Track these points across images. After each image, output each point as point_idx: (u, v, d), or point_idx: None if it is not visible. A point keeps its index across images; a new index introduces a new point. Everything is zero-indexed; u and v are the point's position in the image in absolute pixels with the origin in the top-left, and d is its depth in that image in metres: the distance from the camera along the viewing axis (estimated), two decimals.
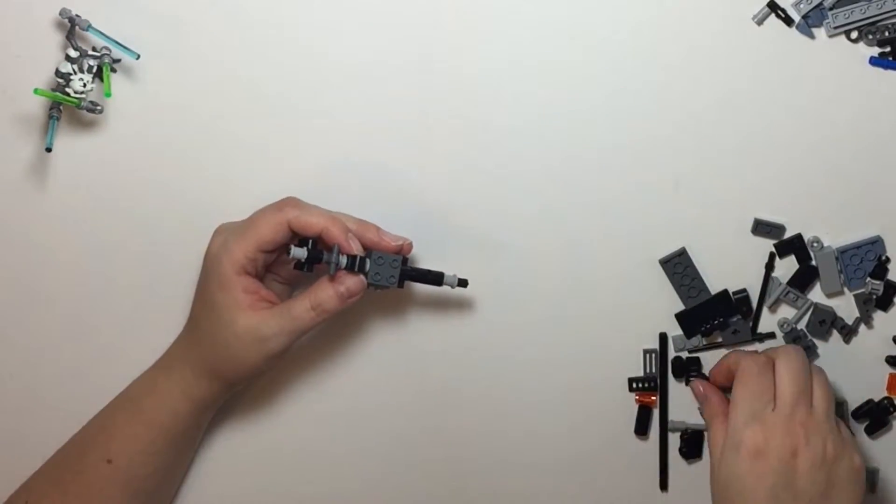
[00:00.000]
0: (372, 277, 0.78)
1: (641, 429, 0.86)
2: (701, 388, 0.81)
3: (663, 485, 0.87)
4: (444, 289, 0.83)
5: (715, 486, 0.77)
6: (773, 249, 0.83)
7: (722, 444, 0.76)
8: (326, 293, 0.78)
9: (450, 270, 0.82)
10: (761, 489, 0.74)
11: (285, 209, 0.78)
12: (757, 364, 0.77)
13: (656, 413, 0.86)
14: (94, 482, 0.80)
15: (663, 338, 0.85)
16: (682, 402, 0.86)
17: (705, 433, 0.80)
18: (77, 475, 0.80)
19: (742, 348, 0.84)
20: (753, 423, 0.75)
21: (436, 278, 0.80)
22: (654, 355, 0.85)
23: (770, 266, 0.83)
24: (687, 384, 0.85)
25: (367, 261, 0.78)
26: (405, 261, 0.79)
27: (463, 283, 0.81)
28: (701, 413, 0.81)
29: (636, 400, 0.85)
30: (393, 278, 0.78)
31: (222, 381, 0.80)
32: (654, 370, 0.85)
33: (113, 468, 0.79)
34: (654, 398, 0.85)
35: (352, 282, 0.78)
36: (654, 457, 0.86)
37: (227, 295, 0.78)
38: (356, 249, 0.78)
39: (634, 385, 0.85)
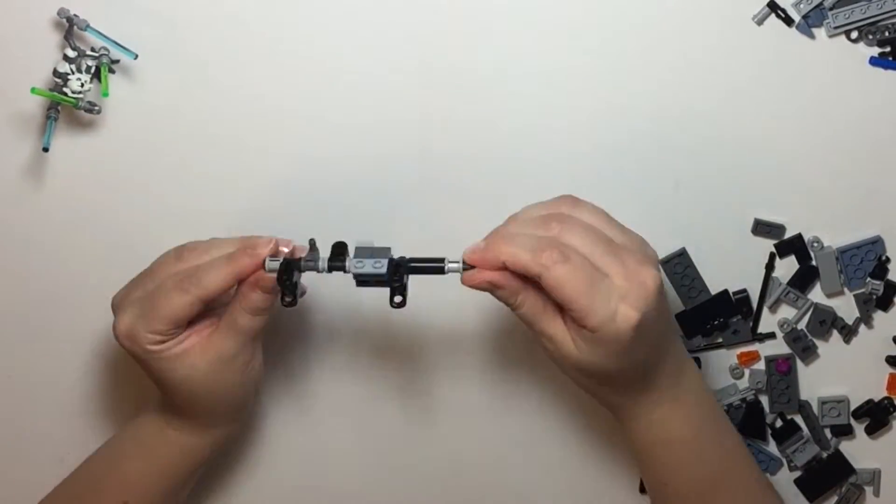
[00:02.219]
0: (354, 267, 0.72)
1: None
2: (502, 280, 0.71)
3: (643, 488, 0.87)
4: (442, 289, 0.83)
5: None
6: (774, 249, 0.83)
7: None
8: (253, 294, 0.73)
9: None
10: (643, 352, 0.71)
11: (189, 289, 0.73)
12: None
13: None
14: None
15: None
16: None
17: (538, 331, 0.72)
18: None
19: (742, 347, 0.85)
20: (620, 303, 0.68)
21: (436, 265, 0.73)
22: None
23: (770, 266, 0.83)
24: None
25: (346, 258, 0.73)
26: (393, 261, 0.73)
27: (469, 266, 0.71)
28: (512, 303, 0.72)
29: None
30: (380, 265, 0.72)
31: (228, 415, 0.80)
32: None
33: None
34: None
35: (266, 279, 0.73)
36: None
37: (168, 361, 0.75)
38: (285, 245, 0.74)
39: None
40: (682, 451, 0.77)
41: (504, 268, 0.70)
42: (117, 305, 0.76)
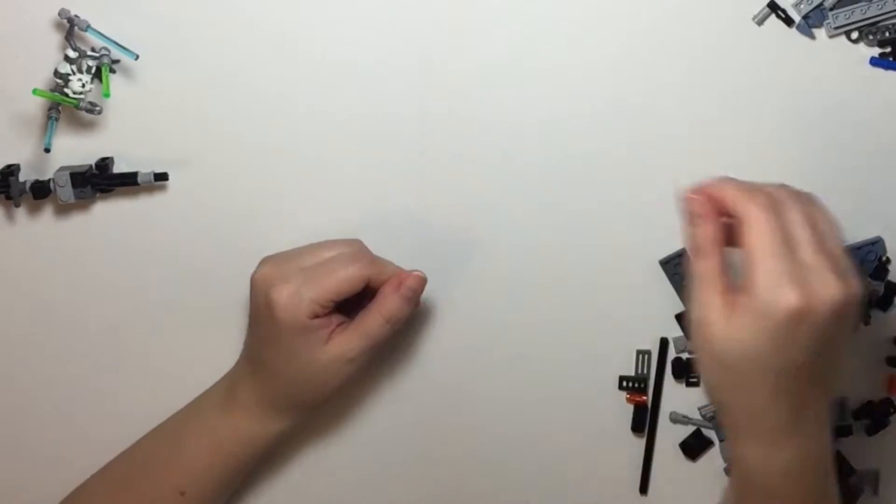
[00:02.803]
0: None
1: (638, 426, 0.86)
2: (698, 207, 0.68)
3: (643, 488, 0.87)
4: (444, 288, 0.83)
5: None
6: None
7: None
8: (395, 303, 0.78)
9: (450, 271, 0.82)
10: (793, 358, 0.65)
11: (365, 265, 0.78)
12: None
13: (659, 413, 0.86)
14: None
15: (664, 343, 0.85)
16: (683, 403, 0.86)
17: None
18: (145, 500, 0.80)
19: None
20: (788, 281, 0.64)
21: (127, 179, 0.80)
22: (646, 356, 0.85)
23: None
24: (687, 385, 0.85)
25: None
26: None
27: (161, 176, 0.80)
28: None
29: (627, 399, 0.85)
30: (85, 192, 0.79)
31: (304, 409, 0.81)
32: (645, 371, 0.85)
33: (185, 499, 0.80)
34: (643, 398, 0.85)
35: (412, 280, 0.79)
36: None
37: (305, 339, 0.77)
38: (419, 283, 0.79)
39: (625, 384, 0.85)
40: None
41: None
42: (277, 277, 0.77)
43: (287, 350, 0.78)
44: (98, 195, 0.81)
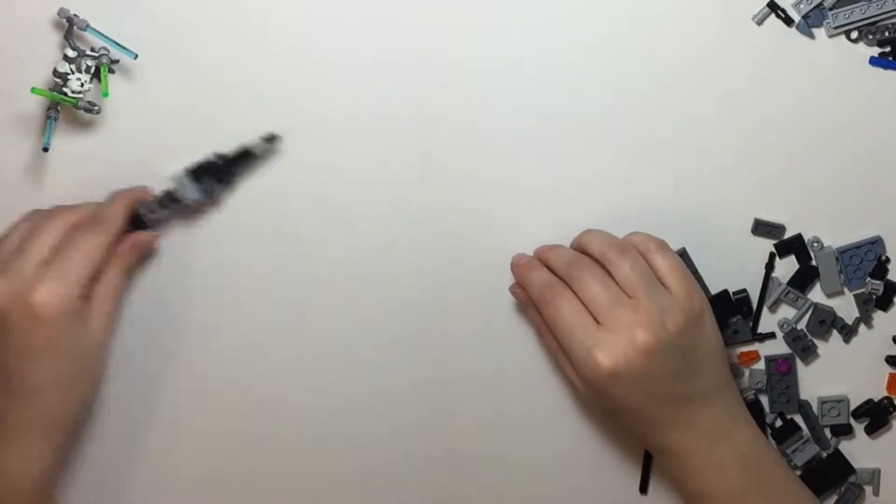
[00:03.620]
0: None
1: None
2: (521, 295, 0.81)
3: (643, 488, 0.87)
4: (441, 290, 0.83)
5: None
6: (773, 249, 0.83)
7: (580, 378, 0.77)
8: (134, 258, 0.80)
9: (450, 270, 0.82)
10: (633, 401, 0.75)
11: (99, 231, 0.76)
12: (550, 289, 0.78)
13: None
14: None
15: None
16: None
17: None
18: None
19: (742, 347, 0.85)
20: (592, 349, 0.74)
21: (244, 156, 0.80)
22: None
23: (770, 266, 0.83)
24: None
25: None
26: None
27: (270, 138, 0.80)
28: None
29: None
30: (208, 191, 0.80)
31: (81, 416, 0.78)
32: None
33: None
34: None
35: (147, 238, 0.80)
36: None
37: (79, 325, 0.74)
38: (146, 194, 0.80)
39: None
40: None
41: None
42: (25, 283, 0.72)
43: (64, 350, 0.73)
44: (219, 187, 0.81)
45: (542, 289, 0.78)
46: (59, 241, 0.74)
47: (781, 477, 0.79)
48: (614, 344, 0.74)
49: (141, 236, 0.80)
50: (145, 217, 0.80)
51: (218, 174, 0.80)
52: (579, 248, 0.79)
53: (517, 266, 0.81)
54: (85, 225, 0.76)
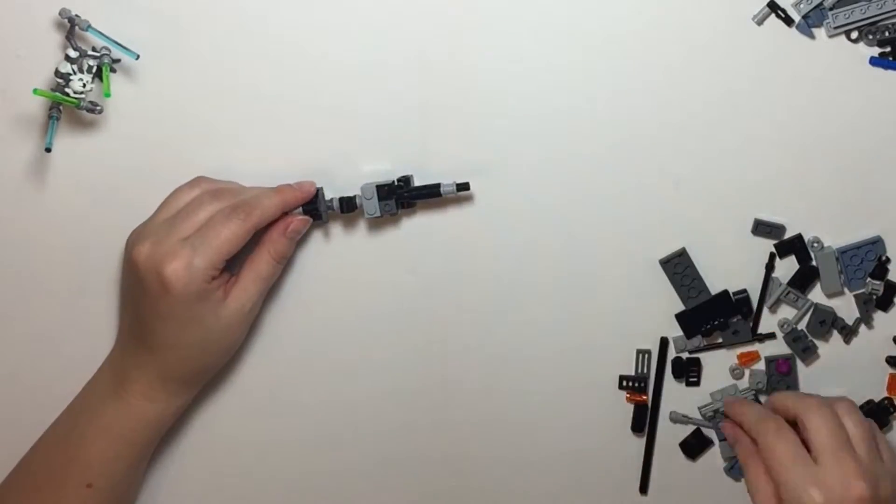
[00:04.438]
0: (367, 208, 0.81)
1: (638, 426, 0.86)
2: (730, 431, 0.83)
3: (643, 488, 0.87)
4: (441, 290, 0.83)
5: None
6: (774, 249, 0.83)
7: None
8: (284, 245, 0.80)
9: (450, 270, 0.82)
10: None
11: (245, 218, 0.77)
12: (777, 425, 0.78)
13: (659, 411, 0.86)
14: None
15: (664, 342, 0.85)
16: (683, 402, 0.86)
17: (744, 475, 0.80)
18: (54, 499, 0.79)
19: (742, 348, 0.85)
20: (809, 486, 0.75)
21: (431, 191, 0.81)
22: (646, 356, 0.85)
23: (770, 266, 0.83)
24: (687, 385, 0.85)
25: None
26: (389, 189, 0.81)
27: (463, 186, 0.81)
28: (732, 449, 0.83)
29: (627, 399, 0.85)
30: (388, 205, 0.81)
31: (208, 374, 0.82)
32: (645, 370, 0.85)
33: (93, 491, 0.79)
34: (643, 398, 0.85)
35: (298, 223, 0.80)
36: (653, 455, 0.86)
37: (205, 304, 0.77)
38: (308, 190, 0.81)
39: (625, 383, 0.85)
40: None
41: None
42: (164, 253, 0.76)
43: (188, 320, 0.77)
44: (401, 210, 0.82)
45: (763, 420, 0.79)
46: (209, 221, 0.77)
47: None
48: (833, 488, 0.75)
49: (290, 222, 0.80)
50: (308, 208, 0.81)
51: (401, 198, 0.81)
52: (791, 413, 0.80)
53: (731, 404, 0.83)
54: (237, 211, 0.78)
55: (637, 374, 0.85)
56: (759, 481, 0.77)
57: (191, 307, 0.77)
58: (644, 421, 0.85)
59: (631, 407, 0.86)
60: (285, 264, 0.82)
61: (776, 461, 0.76)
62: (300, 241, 0.83)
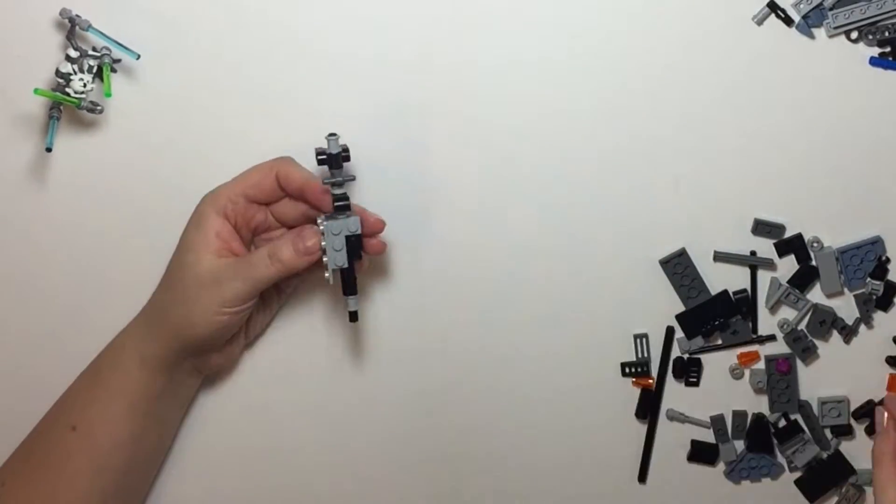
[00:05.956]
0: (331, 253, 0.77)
1: (642, 412, 0.86)
2: (880, 419, 0.81)
3: (642, 477, 0.87)
4: (443, 287, 0.83)
5: None
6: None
7: None
8: (286, 246, 0.77)
9: (450, 270, 0.83)
10: None
11: (277, 162, 0.79)
12: None
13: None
14: (61, 452, 0.79)
15: (670, 331, 0.85)
16: (682, 402, 0.86)
17: (873, 469, 0.79)
18: (44, 446, 0.80)
19: (742, 348, 0.85)
20: None
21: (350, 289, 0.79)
22: (644, 340, 0.85)
23: (754, 267, 0.83)
24: (687, 385, 0.85)
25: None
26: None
27: (352, 316, 0.80)
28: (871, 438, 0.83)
29: (633, 383, 0.86)
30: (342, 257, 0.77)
31: (171, 337, 0.79)
32: (645, 354, 0.85)
33: (76, 435, 0.79)
34: (650, 381, 0.85)
35: (313, 240, 0.77)
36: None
37: (198, 233, 0.78)
38: (327, 207, 0.78)
39: (627, 370, 0.85)
40: None
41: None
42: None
43: (182, 243, 0.79)
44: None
45: None
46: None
47: None
48: None
49: (305, 235, 0.78)
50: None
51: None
52: None
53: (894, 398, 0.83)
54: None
55: (638, 360, 0.85)
56: (891, 482, 0.77)
57: (190, 229, 0.78)
58: (647, 406, 0.86)
59: (632, 397, 0.86)
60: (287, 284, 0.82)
61: None
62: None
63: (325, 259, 0.77)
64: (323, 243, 0.77)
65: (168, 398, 0.82)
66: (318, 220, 0.77)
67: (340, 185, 0.77)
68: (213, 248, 0.78)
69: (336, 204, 0.77)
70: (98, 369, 0.81)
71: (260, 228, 0.81)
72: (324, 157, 0.77)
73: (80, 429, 0.79)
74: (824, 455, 0.86)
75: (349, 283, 0.79)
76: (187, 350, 0.80)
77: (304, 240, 0.77)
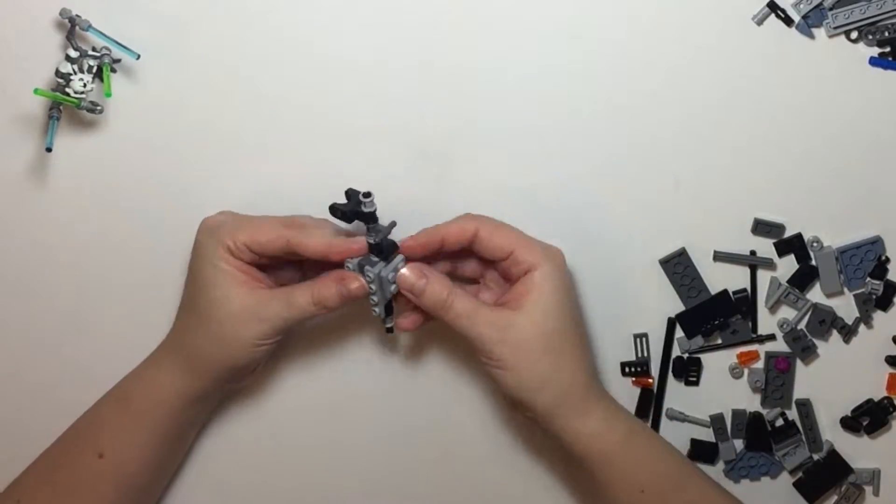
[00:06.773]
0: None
1: (643, 412, 0.86)
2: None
3: None
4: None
5: None
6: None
7: None
8: (330, 291, 0.77)
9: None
10: None
11: (290, 227, 0.77)
12: None
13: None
14: (85, 477, 0.79)
15: (671, 323, 0.85)
16: (682, 402, 0.86)
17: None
18: (68, 470, 0.80)
19: (741, 347, 0.85)
20: None
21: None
22: (644, 339, 0.85)
23: (754, 266, 0.83)
24: (687, 385, 0.86)
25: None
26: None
27: (389, 330, 0.81)
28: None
29: (633, 383, 0.86)
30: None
31: (211, 372, 0.79)
32: (644, 354, 0.85)
33: (104, 462, 0.79)
34: (649, 381, 0.85)
35: (356, 286, 0.77)
36: None
37: (216, 271, 0.77)
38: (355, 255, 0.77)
39: (627, 370, 0.85)
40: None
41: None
42: (210, 219, 0.80)
43: (203, 281, 0.77)
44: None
45: None
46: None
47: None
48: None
49: (347, 278, 0.77)
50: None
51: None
52: None
53: None
54: (286, 219, 0.79)
55: (638, 359, 0.85)
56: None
57: (207, 266, 0.77)
58: (649, 406, 0.86)
59: (634, 401, 0.86)
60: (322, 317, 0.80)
61: None
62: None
63: (373, 298, 0.78)
64: (371, 286, 0.77)
65: (199, 422, 0.85)
66: (351, 265, 0.78)
67: (379, 232, 0.77)
68: (240, 281, 0.77)
69: (377, 253, 0.77)
70: (128, 399, 0.81)
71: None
72: (357, 214, 0.76)
73: (108, 456, 0.79)
74: (815, 457, 0.86)
75: (390, 309, 0.80)
76: (226, 380, 0.81)
77: (348, 283, 0.77)
